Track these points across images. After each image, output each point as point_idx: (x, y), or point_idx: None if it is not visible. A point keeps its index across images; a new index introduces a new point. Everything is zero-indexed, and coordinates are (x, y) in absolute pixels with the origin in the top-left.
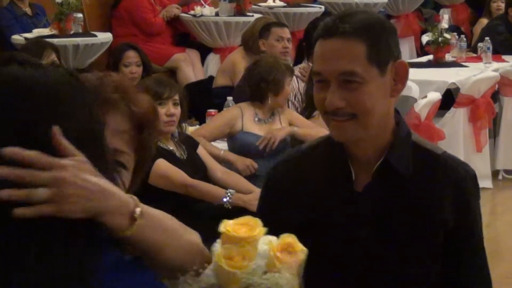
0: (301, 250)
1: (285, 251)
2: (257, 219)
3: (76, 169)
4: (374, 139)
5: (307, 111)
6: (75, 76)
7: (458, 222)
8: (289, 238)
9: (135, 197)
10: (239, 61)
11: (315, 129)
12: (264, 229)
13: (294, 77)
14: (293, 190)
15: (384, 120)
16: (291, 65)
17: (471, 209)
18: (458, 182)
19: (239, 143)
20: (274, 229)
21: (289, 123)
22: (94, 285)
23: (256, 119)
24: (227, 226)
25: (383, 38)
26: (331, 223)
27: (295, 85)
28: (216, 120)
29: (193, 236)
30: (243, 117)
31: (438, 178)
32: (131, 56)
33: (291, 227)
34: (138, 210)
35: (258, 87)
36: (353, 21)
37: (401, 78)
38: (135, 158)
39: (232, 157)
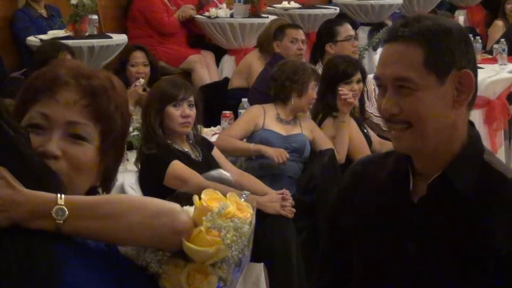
0: (247, 207)
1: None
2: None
3: None
4: (434, 151)
5: (319, 116)
6: None
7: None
8: (234, 197)
9: (59, 195)
10: (255, 62)
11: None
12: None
13: None
14: (357, 192)
15: (446, 132)
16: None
17: None
18: None
19: (259, 140)
20: (335, 225)
21: (310, 130)
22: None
23: (278, 119)
24: (202, 201)
25: (444, 44)
26: (381, 231)
27: None
28: (241, 120)
29: (148, 212)
30: (265, 116)
31: (498, 201)
32: (138, 56)
33: (348, 226)
34: (55, 209)
35: (283, 86)
36: (415, 26)
37: (466, 89)
38: (99, 129)
39: (263, 146)
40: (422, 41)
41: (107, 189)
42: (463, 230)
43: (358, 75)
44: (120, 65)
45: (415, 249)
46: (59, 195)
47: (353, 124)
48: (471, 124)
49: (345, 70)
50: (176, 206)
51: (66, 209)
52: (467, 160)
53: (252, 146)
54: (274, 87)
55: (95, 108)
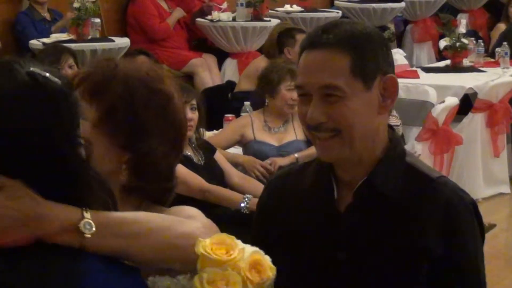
0: (270, 268)
1: (254, 269)
2: (233, 237)
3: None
4: (358, 157)
5: None
6: None
7: (446, 252)
8: (257, 255)
9: (84, 209)
10: (262, 67)
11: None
12: (243, 248)
13: None
14: (280, 205)
15: (371, 138)
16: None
17: (463, 239)
18: (448, 208)
19: (252, 152)
20: (260, 241)
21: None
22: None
23: (266, 127)
24: (205, 247)
25: (369, 50)
26: (309, 243)
27: None
28: (226, 129)
29: (172, 232)
30: (253, 125)
31: (426, 202)
32: (141, 60)
33: (274, 241)
34: (83, 222)
35: (259, 90)
36: (338, 32)
37: (390, 94)
38: (95, 108)
39: (236, 155)
40: (347, 47)
41: (137, 166)
42: (393, 235)
43: None
44: None
45: (345, 259)
46: (83, 208)
47: None
48: (390, 127)
49: None
50: (198, 229)
51: (93, 224)
52: (390, 164)
53: (230, 155)
54: (257, 92)
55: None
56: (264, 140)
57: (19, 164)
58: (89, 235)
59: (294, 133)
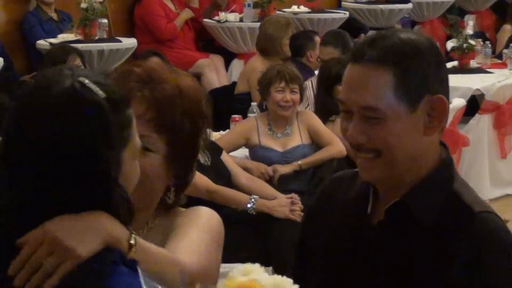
0: None
1: None
2: (255, 279)
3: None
4: (400, 178)
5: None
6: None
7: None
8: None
9: (131, 231)
10: (258, 67)
11: (325, 151)
12: None
13: (310, 84)
14: (326, 210)
15: (415, 159)
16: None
17: (490, 281)
18: (481, 246)
19: (258, 158)
20: (302, 241)
21: (307, 130)
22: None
23: (270, 132)
24: None
25: (416, 68)
26: (338, 253)
27: (309, 93)
28: (232, 133)
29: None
30: (259, 129)
31: (460, 235)
32: (155, 62)
33: (312, 244)
34: (132, 238)
35: (260, 93)
36: (382, 46)
37: (439, 114)
38: (166, 140)
39: (247, 161)
40: (391, 64)
41: (180, 187)
42: (419, 261)
43: None
44: None
45: (368, 274)
46: (131, 231)
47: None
48: (444, 146)
49: (338, 72)
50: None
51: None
52: (431, 187)
53: (237, 159)
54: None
55: (159, 121)
56: (269, 145)
57: (57, 170)
58: (132, 254)
59: (300, 137)
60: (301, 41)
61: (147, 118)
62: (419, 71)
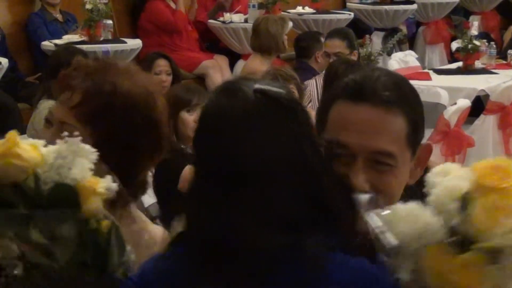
0: None
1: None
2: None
3: None
4: None
5: None
6: None
7: None
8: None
9: None
10: (258, 67)
11: None
12: None
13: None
14: None
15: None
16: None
17: None
18: None
19: None
20: None
21: None
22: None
23: None
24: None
25: (420, 115)
26: None
27: (313, 90)
28: None
29: None
30: None
31: None
32: (162, 64)
33: None
34: None
35: None
36: (396, 90)
37: (423, 162)
38: (89, 132)
39: None
40: (406, 109)
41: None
42: None
43: None
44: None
45: None
46: None
47: None
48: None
49: (345, 72)
50: None
51: None
52: None
53: None
54: None
55: (88, 113)
56: None
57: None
58: None
59: None
60: (308, 42)
61: (79, 110)
62: (422, 117)
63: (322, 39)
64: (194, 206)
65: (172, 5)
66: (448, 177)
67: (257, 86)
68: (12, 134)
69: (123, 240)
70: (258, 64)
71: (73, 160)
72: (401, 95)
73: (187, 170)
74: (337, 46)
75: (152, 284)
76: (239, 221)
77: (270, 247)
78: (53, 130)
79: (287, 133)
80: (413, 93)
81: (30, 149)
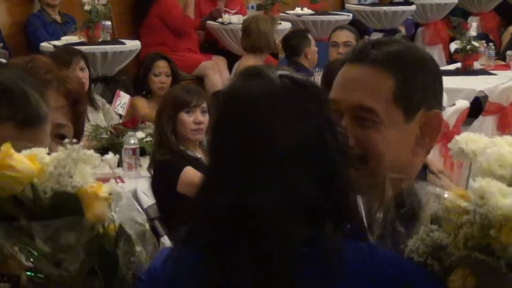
0: None
1: None
2: None
3: None
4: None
5: None
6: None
7: None
8: None
9: None
10: None
11: None
12: None
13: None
14: None
15: (399, 173)
16: None
17: None
18: None
19: None
20: None
21: None
22: None
23: None
24: None
25: (417, 77)
26: None
27: None
28: None
29: None
30: None
31: None
32: (162, 66)
33: None
34: None
35: None
36: (387, 50)
37: (431, 131)
38: (74, 128)
39: None
40: (395, 69)
41: None
42: None
43: None
44: (143, 73)
45: None
46: None
47: None
48: (424, 169)
49: None
50: None
51: None
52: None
53: None
54: None
55: (73, 111)
56: None
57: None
58: None
59: None
60: (296, 40)
61: (65, 110)
62: (420, 81)
63: (309, 36)
64: (211, 195)
65: (180, 4)
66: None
67: (280, 71)
68: (6, 145)
69: (132, 241)
70: (252, 63)
71: (74, 168)
72: (392, 56)
73: (187, 172)
74: (347, 35)
75: (162, 281)
76: (262, 208)
77: (293, 235)
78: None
79: (311, 117)
80: (414, 58)
81: (24, 160)
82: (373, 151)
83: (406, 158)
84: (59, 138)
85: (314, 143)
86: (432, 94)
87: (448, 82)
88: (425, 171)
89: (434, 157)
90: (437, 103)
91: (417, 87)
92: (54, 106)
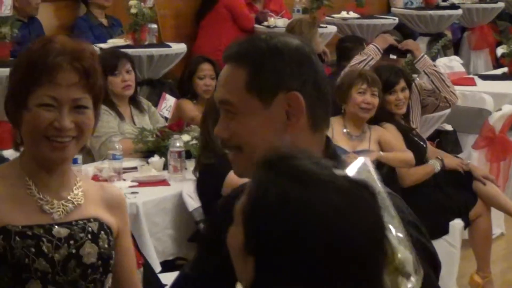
0: None
1: None
2: None
3: None
4: None
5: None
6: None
7: None
8: None
9: None
10: None
11: (400, 153)
12: None
13: None
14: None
15: None
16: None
17: None
18: None
19: None
20: None
21: (378, 141)
22: None
23: (345, 130)
24: None
25: (270, 66)
26: None
27: None
28: None
29: None
30: (333, 131)
31: None
32: (206, 68)
33: None
34: None
35: (335, 95)
36: (242, 47)
37: (296, 111)
38: (92, 98)
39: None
40: (246, 62)
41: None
42: None
43: (402, 83)
44: (187, 76)
45: None
46: None
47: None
48: (327, 146)
49: (387, 79)
50: None
51: None
52: None
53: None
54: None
55: (89, 84)
56: (340, 143)
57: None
58: None
59: (368, 144)
60: (351, 44)
61: (82, 84)
62: (273, 68)
63: (365, 44)
64: None
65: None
66: None
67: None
68: None
69: None
70: None
71: None
72: (244, 52)
73: (232, 175)
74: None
75: None
76: None
77: None
78: (66, 109)
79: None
80: (267, 49)
81: None
82: (242, 139)
83: (279, 140)
84: (78, 108)
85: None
86: (292, 78)
87: (494, 86)
88: (470, 177)
89: (480, 163)
90: (304, 84)
91: (269, 75)
92: (68, 84)
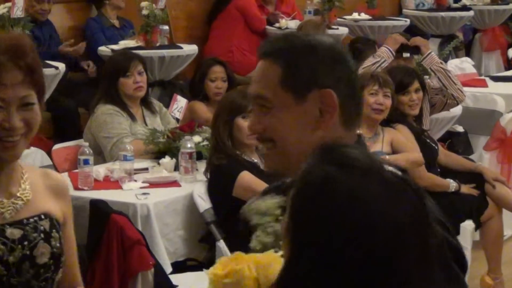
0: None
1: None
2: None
3: None
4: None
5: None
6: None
7: None
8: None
9: None
10: None
11: (407, 153)
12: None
13: None
14: None
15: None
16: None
17: None
18: None
19: None
20: None
21: (390, 143)
22: None
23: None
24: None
25: (304, 62)
26: None
27: None
28: None
29: None
30: None
31: None
32: (218, 71)
33: None
34: None
35: None
36: (279, 43)
37: (329, 108)
38: (36, 93)
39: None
40: (281, 58)
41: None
42: None
43: (416, 84)
44: (199, 78)
45: None
46: None
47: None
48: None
49: (401, 80)
50: None
51: None
52: None
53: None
54: None
55: (34, 81)
56: None
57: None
58: None
59: (381, 145)
60: (362, 45)
61: (27, 81)
62: (307, 65)
63: (376, 47)
64: None
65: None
66: None
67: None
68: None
69: None
70: None
71: None
72: (276, 47)
73: (243, 176)
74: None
75: None
76: None
77: None
78: (14, 108)
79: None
80: (301, 46)
81: None
82: (276, 133)
83: (309, 137)
84: (26, 106)
85: None
86: (326, 74)
87: (506, 88)
88: (482, 178)
89: (491, 164)
90: (338, 82)
91: (303, 71)
92: (13, 83)
